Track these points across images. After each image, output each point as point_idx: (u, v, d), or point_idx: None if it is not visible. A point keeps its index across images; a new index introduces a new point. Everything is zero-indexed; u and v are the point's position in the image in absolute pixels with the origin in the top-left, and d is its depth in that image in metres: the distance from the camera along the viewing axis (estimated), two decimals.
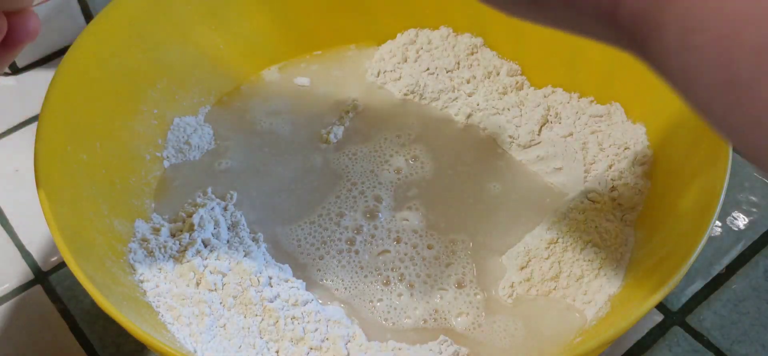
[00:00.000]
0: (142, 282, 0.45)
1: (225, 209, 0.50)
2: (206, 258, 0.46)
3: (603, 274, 0.46)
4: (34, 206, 0.41)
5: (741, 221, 0.53)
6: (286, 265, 0.48)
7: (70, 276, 0.51)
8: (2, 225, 0.55)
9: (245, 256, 0.47)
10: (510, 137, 0.54)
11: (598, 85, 0.54)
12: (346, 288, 0.47)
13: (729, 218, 0.53)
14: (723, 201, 0.40)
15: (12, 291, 0.52)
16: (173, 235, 0.48)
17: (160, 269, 0.46)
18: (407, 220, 0.51)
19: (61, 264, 0.53)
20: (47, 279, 0.52)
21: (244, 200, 0.52)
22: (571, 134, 0.53)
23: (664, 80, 0.26)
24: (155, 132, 0.55)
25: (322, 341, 0.43)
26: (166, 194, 0.53)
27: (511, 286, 0.46)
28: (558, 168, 0.52)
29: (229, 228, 0.49)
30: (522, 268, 0.47)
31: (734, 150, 0.43)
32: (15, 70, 0.66)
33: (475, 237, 0.49)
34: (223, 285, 0.45)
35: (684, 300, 0.49)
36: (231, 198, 0.52)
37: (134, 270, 0.46)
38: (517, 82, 0.57)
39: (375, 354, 0.43)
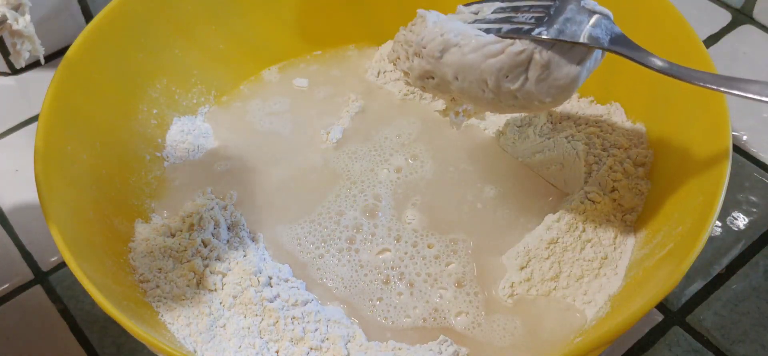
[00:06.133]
0: (142, 282, 0.45)
1: (225, 209, 0.50)
2: (206, 258, 0.46)
3: (603, 274, 0.46)
4: (34, 206, 0.41)
5: (741, 221, 0.52)
6: (286, 265, 0.48)
7: (70, 275, 0.51)
8: (2, 225, 0.55)
9: (245, 256, 0.47)
10: (510, 136, 0.54)
11: (598, 85, 0.54)
12: (345, 287, 0.47)
13: (729, 218, 0.53)
14: (723, 201, 0.40)
15: (12, 291, 0.52)
16: (173, 235, 0.48)
17: (159, 269, 0.46)
18: (408, 219, 0.51)
19: (61, 264, 0.53)
20: (47, 279, 0.52)
21: (244, 200, 0.52)
22: (571, 135, 0.53)
23: None
24: (155, 132, 0.55)
25: (322, 341, 0.43)
26: (166, 194, 0.53)
27: (511, 286, 0.46)
28: (558, 168, 0.52)
29: (229, 228, 0.49)
30: (522, 268, 0.47)
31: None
32: (15, 70, 0.66)
33: (475, 237, 0.49)
34: (223, 285, 0.45)
35: (684, 300, 0.49)
36: (231, 198, 0.52)
37: (134, 270, 0.46)
38: None
39: (375, 354, 0.43)
